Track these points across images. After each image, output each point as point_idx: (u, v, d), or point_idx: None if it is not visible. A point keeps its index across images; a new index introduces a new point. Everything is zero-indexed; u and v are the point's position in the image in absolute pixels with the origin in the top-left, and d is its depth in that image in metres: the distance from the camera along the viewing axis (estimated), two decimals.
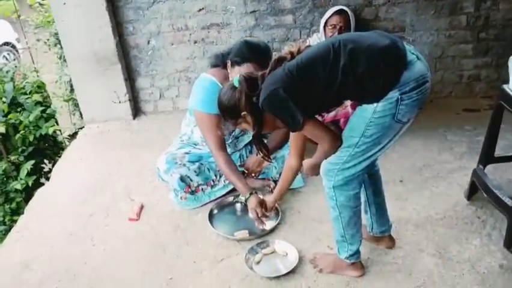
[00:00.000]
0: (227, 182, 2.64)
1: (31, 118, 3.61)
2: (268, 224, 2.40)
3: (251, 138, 2.62)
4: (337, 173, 1.79)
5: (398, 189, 2.66)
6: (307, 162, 1.99)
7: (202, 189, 2.64)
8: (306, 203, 2.60)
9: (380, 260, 2.14)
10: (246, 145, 2.81)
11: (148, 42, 3.73)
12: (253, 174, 2.73)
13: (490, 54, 3.66)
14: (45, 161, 3.88)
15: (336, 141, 1.77)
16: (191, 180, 2.59)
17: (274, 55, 1.81)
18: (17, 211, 3.43)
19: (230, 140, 2.68)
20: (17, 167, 3.58)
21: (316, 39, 3.27)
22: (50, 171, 3.58)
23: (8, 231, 2.92)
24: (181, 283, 2.11)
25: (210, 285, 2.09)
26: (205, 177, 2.65)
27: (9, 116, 3.59)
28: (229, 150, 2.59)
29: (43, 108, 3.77)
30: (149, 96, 3.95)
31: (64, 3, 3.43)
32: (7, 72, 4.03)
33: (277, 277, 2.08)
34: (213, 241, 2.36)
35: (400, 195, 2.60)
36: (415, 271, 2.06)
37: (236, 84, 1.80)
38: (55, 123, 3.82)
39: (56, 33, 3.88)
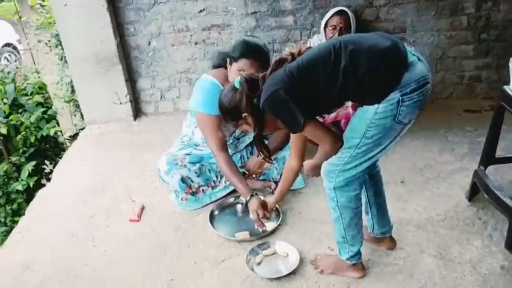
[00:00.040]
0: (228, 183, 2.64)
1: (32, 119, 3.62)
2: (269, 225, 2.40)
3: (252, 139, 2.63)
4: (338, 174, 1.79)
5: (399, 190, 2.65)
6: (308, 163, 1.99)
7: (203, 190, 2.64)
8: (307, 204, 2.60)
9: (381, 261, 2.14)
10: (246, 146, 2.81)
11: (149, 43, 3.73)
12: (254, 176, 2.73)
13: (490, 55, 3.65)
14: (47, 162, 3.88)
15: (337, 142, 1.77)
16: (192, 181, 2.59)
17: (275, 56, 1.81)
18: (18, 212, 3.43)
19: (231, 141, 2.68)
20: (18, 168, 3.58)
21: (317, 41, 3.27)
22: (51, 172, 3.59)
23: (9, 232, 2.92)
24: (181, 284, 2.11)
25: (210, 286, 2.09)
26: (206, 178, 2.65)
27: (10, 117, 3.60)
28: (230, 151, 2.59)
29: (44, 109, 3.78)
30: (150, 97, 3.95)
31: (65, 5, 3.44)
32: (8, 73, 4.04)
33: (278, 278, 2.08)
34: (214, 242, 2.36)
35: (401, 196, 2.60)
36: (416, 272, 2.06)
37: (237, 85, 1.81)
38: (56, 124, 3.82)
39: (57, 35, 3.89)
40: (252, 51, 2.37)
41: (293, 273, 2.09)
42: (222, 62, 2.51)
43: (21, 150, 3.63)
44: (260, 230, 2.37)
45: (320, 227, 2.38)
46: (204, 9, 3.59)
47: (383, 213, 2.11)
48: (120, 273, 2.21)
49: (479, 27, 3.55)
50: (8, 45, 7.15)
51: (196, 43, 3.72)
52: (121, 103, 3.81)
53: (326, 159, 1.83)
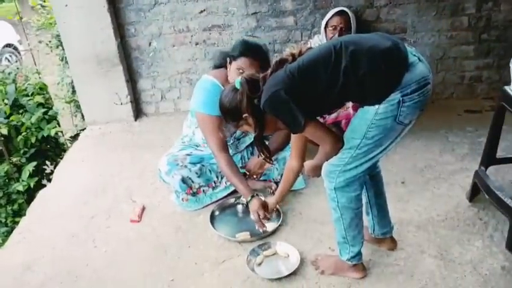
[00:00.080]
0: (228, 183, 2.64)
1: (33, 120, 3.62)
2: (270, 226, 2.40)
3: (252, 139, 2.63)
4: (338, 175, 1.79)
5: (399, 190, 2.65)
6: (308, 164, 1.99)
7: (203, 190, 2.64)
8: (308, 204, 2.59)
9: (381, 261, 2.14)
10: (247, 147, 2.81)
11: (150, 43, 3.73)
12: (254, 176, 2.73)
13: (491, 55, 3.65)
14: (47, 162, 3.88)
15: (338, 142, 1.77)
16: (192, 181, 2.59)
17: (276, 57, 1.81)
18: (19, 213, 3.43)
19: (231, 142, 2.68)
20: (19, 168, 3.59)
21: (318, 41, 3.27)
22: (52, 172, 3.59)
23: (10, 232, 2.92)
24: (182, 285, 2.11)
25: (211, 287, 2.09)
26: (206, 178, 2.65)
27: (11, 118, 3.60)
28: (230, 151, 2.59)
29: (45, 109, 3.78)
30: (150, 97, 3.96)
31: (66, 5, 3.45)
32: (9, 74, 4.04)
33: (279, 279, 2.08)
34: (215, 243, 2.36)
35: (402, 196, 2.60)
36: (417, 273, 2.06)
37: (237, 86, 1.81)
38: (57, 125, 3.83)
39: (58, 35, 3.89)
40: (251, 50, 2.37)
41: (294, 273, 2.09)
42: (222, 62, 2.52)
43: (22, 151, 3.63)
44: (261, 230, 2.37)
45: (321, 228, 2.38)
46: (204, 10, 3.59)
47: (383, 213, 2.11)
48: (121, 273, 2.21)
49: (480, 28, 3.55)
50: (8, 45, 7.16)
51: (196, 43, 3.72)
52: (121, 104, 3.81)
53: (327, 160, 1.83)
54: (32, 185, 3.46)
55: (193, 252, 2.31)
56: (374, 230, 2.15)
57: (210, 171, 2.67)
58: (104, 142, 3.61)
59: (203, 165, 2.67)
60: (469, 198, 2.50)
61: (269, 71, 1.77)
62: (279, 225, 2.42)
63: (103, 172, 3.12)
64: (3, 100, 3.71)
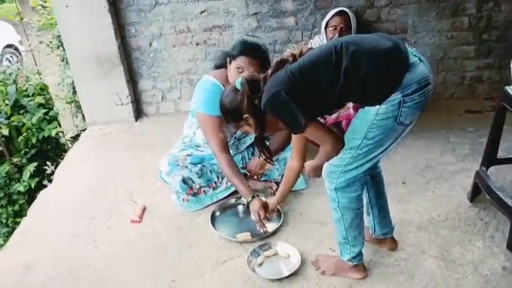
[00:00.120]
0: (229, 184, 2.64)
1: (34, 120, 3.62)
2: (271, 226, 2.40)
3: (253, 140, 2.63)
4: (339, 175, 1.79)
5: (400, 191, 2.65)
6: (309, 164, 1.98)
7: (204, 191, 2.64)
8: (308, 205, 2.59)
9: (382, 262, 2.14)
10: (248, 147, 2.81)
11: (150, 44, 3.74)
12: (255, 177, 2.73)
13: (492, 55, 3.65)
14: (48, 163, 3.88)
15: (338, 143, 1.77)
16: (193, 182, 2.59)
17: (276, 57, 1.81)
18: (20, 213, 3.44)
19: (232, 142, 2.68)
20: (20, 169, 3.59)
21: (318, 41, 3.28)
22: (52, 173, 3.60)
23: (10, 233, 2.93)
24: (183, 285, 2.11)
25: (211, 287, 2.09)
26: (207, 179, 2.65)
27: (12, 119, 3.60)
28: (231, 152, 2.59)
29: (46, 110, 3.78)
30: (151, 98, 3.96)
31: (67, 6, 3.45)
32: (10, 74, 4.04)
33: (280, 279, 2.08)
34: (215, 243, 2.36)
35: (402, 197, 2.60)
36: (418, 273, 2.06)
37: (238, 86, 1.81)
38: (58, 125, 3.83)
39: (59, 36, 3.89)
40: (250, 49, 2.38)
41: (294, 274, 2.09)
42: (223, 62, 2.52)
43: (22, 152, 3.63)
44: (261, 230, 2.37)
45: (321, 228, 2.38)
46: (205, 10, 3.60)
47: (384, 214, 2.11)
48: (121, 274, 2.21)
49: (481, 28, 3.55)
50: (9, 46, 7.17)
51: (197, 44, 3.72)
52: (122, 104, 3.81)
53: (327, 160, 1.83)
54: (32, 185, 3.46)
55: (194, 253, 2.31)
56: (374, 230, 2.15)
57: (210, 171, 2.67)
58: (104, 142, 3.62)
59: (204, 166, 2.67)
60: (470, 198, 2.50)
61: (270, 72, 1.77)
62: (280, 225, 2.42)
63: (104, 172, 3.12)
64: (4, 101, 3.71)
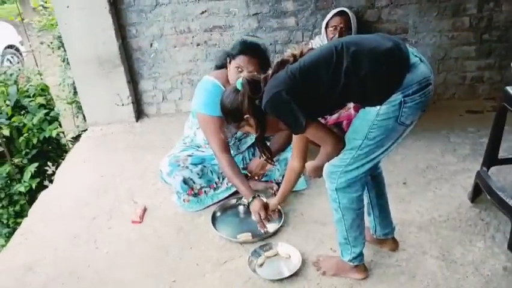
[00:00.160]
0: (230, 184, 2.64)
1: (35, 121, 3.63)
2: (271, 227, 2.40)
3: (253, 140, 2.63)
4: (340, 175, 1.79)
5: (401, 191, 2.65)
6: (310, 165, 1.99)
7: (205, 191, 2.64)
8: (309, 205, 2.59)
9: (383, 262, 2.14)
10: (248, 147, 2.81)
11: (151, 44, 3.74)
12: (256, 177, 2.73)
13: (493, 55, 3.65)
14: (49, 163, 3.88)
15: (339, 143, 1.77)
16: (194, 182, 2.60)
17: (277, 58, 1.81)
18: (21, 214, 3.44)
19: (232, 142, 2.68)
20: (21, 169, 3.59)
21: (319, 42, 3.28)
22: (53, 173, 3.60)
23: (11, 233, 2.93)
24: (184, 286, 2.11)
25: None
26: (208, 179, 2.65)
27: (13, 119, 3.61)
28: (232, 152, 2.59)
29: (47, 111, 3.79)
30: (152, 98, 3.96)
31: (67, 6, 3.45)
32: (11, 75, 4.05)
33: (280, 280, 2.08)
34: (216, 243, 2.36)
35: (403, 197, 2.60)
36: (419, 274, 2.06)
37: (239, 87, 1.81)
38: (59, 126, 3.84)
39: (60, 36, 3.89)
40: (249, 48, 2.39)
41: (295, 274, 2.09)
42: (223, 62, 2.52)
43: (23, 152, 3.64)
44: (262, 231, 2.37)
45: (322, 229, 2.38)
46: (205, 11, 3.60)
47: (385, 214, 2.11)
48: (122, 274, 2.21)
49: (481, 28, 3.55)
50: (10, 47, 7.16)
51: (198, 44, 3.73)
52: (123, 104, 3.81)
53: (328, 161, 1.83)
54: (33, 186, 3.46)
55: (195, 253, 2.31)
56: (375, 230, 2.15)
57: (211, 172, 2.67)
58: (105, 143, 3.62)
59: (204, 166, 2.67)
60: (471, 199, 2.50)
61: (270, 72, 1.77)
62: (281, 226, 2.42)
63: (105, 173, 3.12)
64: (5, 101, 3.72)
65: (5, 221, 3.49)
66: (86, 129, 3.90)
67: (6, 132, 3.54)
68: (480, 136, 3.14)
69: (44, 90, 4.04)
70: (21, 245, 2.51)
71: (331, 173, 1.82)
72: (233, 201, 2.66)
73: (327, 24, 3.24)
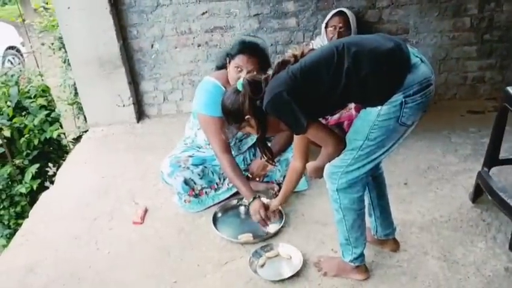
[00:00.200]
0: (231, 185, 2.64)
1: (36, 122, 3.63)
2: (272, 227, 2.40)
3: (254, 140, 2.63)
4: (341, 176, 1.79)
5: (402, 191, 2.65)
6: (311, 165, 1.99)
7: (206, 192, 2.64)
8: (310, 205, 2.59)
9: (384, 263, 2.14)
10: (249, 148, 2.81)
11: (152, 45, 3.74)
12: (257, 179, 2.73)
13: (494, 56, 3.65)
14: (50, 164, 3.89)
15: (340, 144, 1.77)
16: (195, 183, 2.59)
17: (278, 58, 1.81)
18: (22, 215, 3.44)
19: (233, 143, 2.68)
20: (22, 170, 3.59)
21: (320, 42, 3.28)
22: (54, 174, 3.60)
23: (12, 234, 2.93)
24: (185, 286, 2.11)
25: None
26: (208, 180, 2.65)
27: (14, 120, 3.61)
28: (233, 153, 2.59)
29: (48, 112, 3.78)
30: (153, 99, 3.96)
31: (68, 8, 3.45)
32: (12, 76, 4.05)
33: (281, 280, 2.07)
34: (217, 244, 2.36)
35: (404, 197, 2.59)
36: (420, 274, 2.06)
37: (239, 87, 1.81)
38: (59, 127, 3.83)
39: (61, 37, 3.90)
40: (248, 47, 2.38)
41: (296, 275, 2.09)
42: (224, 63, 2.52)
43: (24, 153, 3.64)
44: (265, 230, 2.38)
45: (323, 229, 2.38)
46: (206, 12, 3.60)
47: (386, 215, 2.10)
48: (123, 275, 2.21)
49: (482, 28, 3.55)
50: (11, 48, 7.17)
51: (199, 45, 3.73)
52: (124, 105, 3.81)
53: (329, 161, 1.83)
54: (34, 187, 3.46)
55: (196, 254, 2.31)
56: (376, 231, 2.14)
57: (212, 172, 2.67)
58: (106, 144, 3.62)
59: (205, 167, 2.67)
60: (472, 199, 2.49)
61: (271, 73, 1.77)
62: (282, 226, 2.42)
63: (106, 174, 3.12)
64: (6, 102, 3.72)
65: (6, 222, 3.49)
66: (87, 130, 3.90)
67: (7, 133, 3.54)
68: (481, 136, 3.14)
69: (45, 91, 4.04)
70: (22, 246, 2.51)
71: (332, 173, 1.82)
72: (234, 201, 2.66)
73: (326, 24, 3.24)
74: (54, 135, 3.68)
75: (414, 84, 1.60)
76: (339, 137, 1.79)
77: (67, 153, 3.91)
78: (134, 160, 3.28)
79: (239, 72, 2.33)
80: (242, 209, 2.62)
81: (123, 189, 2.92)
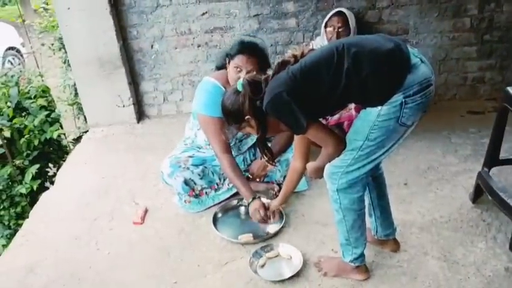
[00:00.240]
0: (231, 185, 2.64)
1: (36, 122, 3.63)
2: (273, 228, 2.40)
3: (254, 140, 2.63)
4: (341, 176, 1.79)
5: (402, 192, 2.65)
6: (311, 165, 1.99)
7: (206, 192, 2.64)
8: (310, 206, 2.59)
9: (384, 263, 2.14)
10: (249, 148, 2.81)
11: (152, 46, 3.74)
12: (257, 179, 2.73)
13: (494, 56, 3.65)
14: (50, 165, 3.89)
15: (340, 144, 1.77)
16: (195, 183, 2.59)
17: (278, 58, 1.81)
18: (22, 215, 3.44)
19: (233, 143, 2.68)
20: (22, 171, 3.59)
21: (320, 43, 3.28)
22: (54, 175, 3.60)
23: (13, 235, 2.93)
24: (185, 287, 2.11)
25: None
26: (209, 180, 2.65)
27: (14, 121, 3.61)
28: (233, 153, 2.59)
29: (48, 112, 3.78)
30: (153, 100, 3.96)
31: (68, 8, 3.46)
32: (12, 76, 4.05)
33: (282, 281, 2.07)
34: (217, 245, 2.36)
35: (404, 198, 2.59)
36: (420, 274, 2.06)
37: (239, 88, 1.81)
38: (60, 127, 3.83)
39: (61, 38, 3.90)
40: (247, 47, 2.39)
41: (296, 275, 2.09)
42: (224, 63, 2.53)
43: (25, 154, 3.64)
44: (265, 230, 2.38)
45: (323, 229, 2.38)
46: (206, 12, 3.60)
47: (386, 215, 2.10)
48: (123, 275, 2.21)
49: (482, 29, 3.55)
50: (11, 48, 7.17)
51: (198, 46, 3.73)
52: (124, 106, 3.82)
53: (329, 161, 1.83)
54: (35, 187, 3.46)
55: (196, 254, 2.31)
56: (377, 231, 2.14)
57: (212, 173, 2.67)
58: (106, 144, 3.62)
59: (205, 167, 2.67)
60: (472, 199, 2.49)
61: (271, 73, 1.77)
62: (282, 227, 2.42)
63: (106, 174, 3.12)
64: (6, 103, 3.72)
65: (6, 223, 3.48)
66: (87, 131, 3.91)
67: (7, 133, 3.54)
68: (481, 137, 3.14)
69: (45, 91, 4.04)
70: (22, 246, 2.51)
71: (332, 173, 1.82)
72: (234, 202, 2.66)
73: (325, 24, 3.24)
74: (55, 136, 3.68)
75: (414, 85, 1.60)
76: (339, 137, 1.79)
77: (67, 153, 3.91)
78: (134, 160, 3.28)
79: (238, 73, 2.34)
80: (242, 209, 2.62)
81: (123, 190, 2.92)
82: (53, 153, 3.93)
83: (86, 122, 4.01)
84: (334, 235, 2.09)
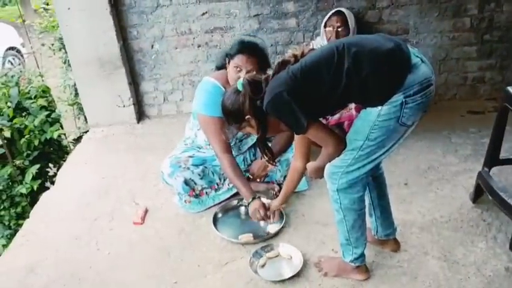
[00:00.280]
0: (231, 185, 2.64)
1: (36, 122, 3.63)
2: (273, 228, 2.40)
3: (255, 140, 2.63)
4: (341, 176, 1.79)
5: (402, 192, 2.65)
6: (311, 165, 1.98)
7: (206, 192, 2.64)
8: (311, 206, 2.59)
9: (385, 263, 2.14)
10: (249, 148, 2.81)
11: (152, 46, 3.74)
12: (258, 179, 2.73)
13: (494, 56, 3.65)
14: (50, 165, 3.89)
15: (340, 144, 1.77)
16: (195, 183, 2.59)
17: (278, 58, 1.81)
18: (22, 215, 3.44)
19: (233, 143, 2.68)
20: (22, 171, 3.59)
21: (320, 42, 3.28)
22: (55, 175, 3.60)
23: (13, 235, 2.93)
24: (185, 287, 2.11)
25: None
26: (209, 180, 2.65)
27: (14, 121, 3.61)
28: (233, 153, 2.59)
29: (48, 112, 3.78)
30: (153, 100, 3.96)
31: (68, 8, 3.46)
32: (12, 77, 4.05)
33: (282, 281, 2.07)
34: (217, 245, 2.36)
35: (405, 198, 2.59)
36: (420, 274, 2.06)
37: (240, 87, 1.81)
38: (60, 128, 3.83)
39: (61, 38, 3.90)
40: (247, 47, 2.39)
41: (297, 275, 2.09)
42: (224, 63, 2.53)
43: (25, 154, 3.64)
44: (265, 230, 2.38)
45: (324, 229, 2.38)
46: (206, 12, 3.60)
47: (386, 215, 2.10)
48: (124, 276, 2.21)
49: (482, 29, 3.55)
50: (11, 48, 7.17)
51: (199, 46, 3.73)
52: (124, 106, 3.82)
53: (329, 161, 1.83)
54: (35, 187, 3.46)
55: (196, 254, 2.31)
56: (377, 231, 2.14)
57: (212, 173, 2.67)
58: (107, 144, 3.62)
59: (206, 167, 2.67)
60: (473, 199, 2.49)
61: (271, 73, 1.77)
62: (282, 227, 2.41)
63: (106, 174, 3.13)
64: (6, 103, 3.72)
65: (6, 223, 3.48)
66: (88, 131, 3.91)
67: (7, 133, 3.53)
68: (481, 136, 3.14)
69: (45, 91, 4.04)
70: (22, 246, 2.51)
71: (332, 173, 1.82)
72: (234, 202, 2.66)
73: (325, 24, 3.24)
74: (55, 136, 3.68)
75: (414, 85, 1.60)
76: (339, 137, 1.79)
77: (67, 153, 3.91)
78: (134, 160, 3.29)
79: (238, 72, 2.34)
80: (242, 209, 2.62)
81: (123, 190, 2.92)
82: (54, 153, 3.93)
83: (86, 122, 4.01)
84: (334, 235, 2.09)
